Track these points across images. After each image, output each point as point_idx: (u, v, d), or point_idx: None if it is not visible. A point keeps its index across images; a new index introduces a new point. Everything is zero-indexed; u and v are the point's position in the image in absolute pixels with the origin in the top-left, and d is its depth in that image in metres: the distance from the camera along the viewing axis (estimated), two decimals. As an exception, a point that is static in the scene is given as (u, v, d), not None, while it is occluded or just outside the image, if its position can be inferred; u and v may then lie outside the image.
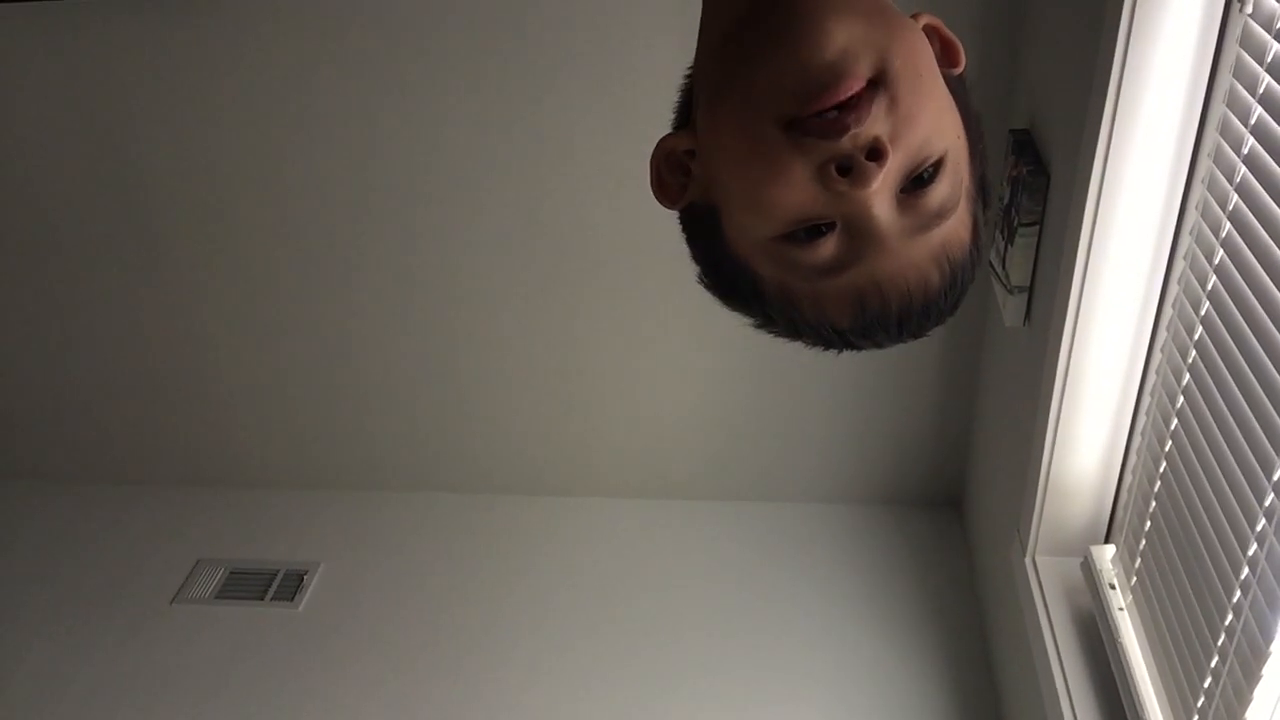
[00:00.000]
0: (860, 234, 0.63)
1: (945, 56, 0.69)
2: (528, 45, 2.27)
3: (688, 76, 0.72)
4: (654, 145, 0.71)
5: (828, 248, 0.64)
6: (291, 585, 2.61)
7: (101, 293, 2.66)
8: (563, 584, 2.60)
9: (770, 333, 0.71)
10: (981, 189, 0.69)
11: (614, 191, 2.40)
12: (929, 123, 0.62)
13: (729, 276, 0.70)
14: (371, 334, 2.66)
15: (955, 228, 0.66)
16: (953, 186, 0.64)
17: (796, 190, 0.62)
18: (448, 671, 2.38)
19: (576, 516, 2.80)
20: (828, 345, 0.70)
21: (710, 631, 2.46)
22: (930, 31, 0.68)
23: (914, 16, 0.67)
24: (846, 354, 0.71)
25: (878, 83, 0.61)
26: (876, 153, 0.60)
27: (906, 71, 0.62)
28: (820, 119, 0.60)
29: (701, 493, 2.82)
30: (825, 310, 0.66)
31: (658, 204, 0.73)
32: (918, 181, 0.63)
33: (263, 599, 2.58)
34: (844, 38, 0.61)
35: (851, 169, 0.60)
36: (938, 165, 0.63)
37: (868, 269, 0.64)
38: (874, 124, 0.60)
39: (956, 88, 0.68)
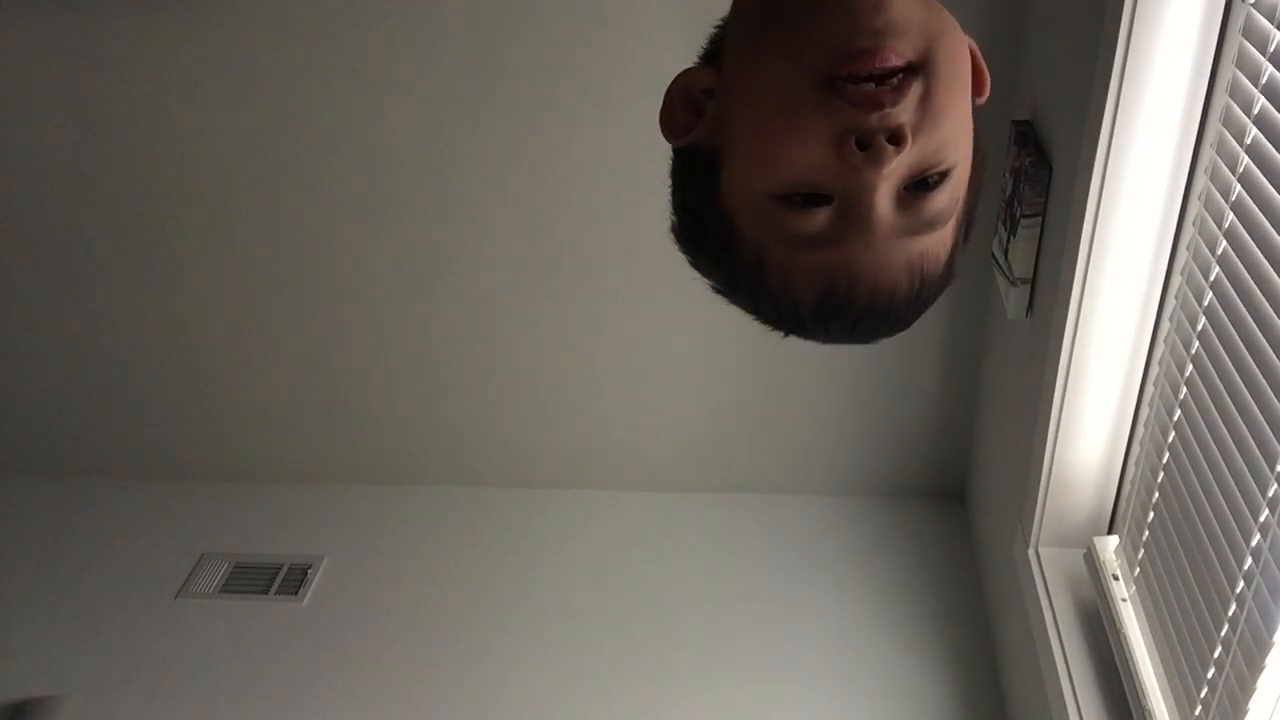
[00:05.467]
0: (853, 216, 0.62)
1: (973, 83, 0.68)
2: (528, 38, 2.27)
3: (722, 23, 0.71)
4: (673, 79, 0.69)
5: (819, 220, 0.63)
6: (296, 579, 2.61)
7: (103, 287, 2.66)
8: (567, 577, 2.61)
9: (729, 299, 0.70)
10: (968, 221, 0.69)
11: (619, 185, 2.40)
12: (951, 129, 0.62)
13: (707, 229, 0.68)
14: (377, 327, 2.66)
15: (938, 242, 0.65)
16: (950, 201, 0.64)
17: (810, 151, 0.61)
18: (453, 665, 2.39)
19: (582, 510, 2.80)
20: (780, 323, 0.69)
21: (714, 623, 2.46)
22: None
23: None
24: (828, 346, 0.70)
25: (918, 69, 0.60)
26: (897, 138, 0.60)
27: (947, 70, 0.61)
28: (858, 88, 0.59)
29: (705, 485, 2.82)
30: (791, 284, 0.65)
31: (663, 199, 0.72)
32: (921, 185, 0.63)
33: (267, 593, 2.58)
34: (901, 10, 0.60)
35: (870, 146, 0.60)
36: (944, 174, 0.63)
37: (847, 253, 0.63)
38: (904, 110, 0.60)
39: (975, 116, 0.68)
